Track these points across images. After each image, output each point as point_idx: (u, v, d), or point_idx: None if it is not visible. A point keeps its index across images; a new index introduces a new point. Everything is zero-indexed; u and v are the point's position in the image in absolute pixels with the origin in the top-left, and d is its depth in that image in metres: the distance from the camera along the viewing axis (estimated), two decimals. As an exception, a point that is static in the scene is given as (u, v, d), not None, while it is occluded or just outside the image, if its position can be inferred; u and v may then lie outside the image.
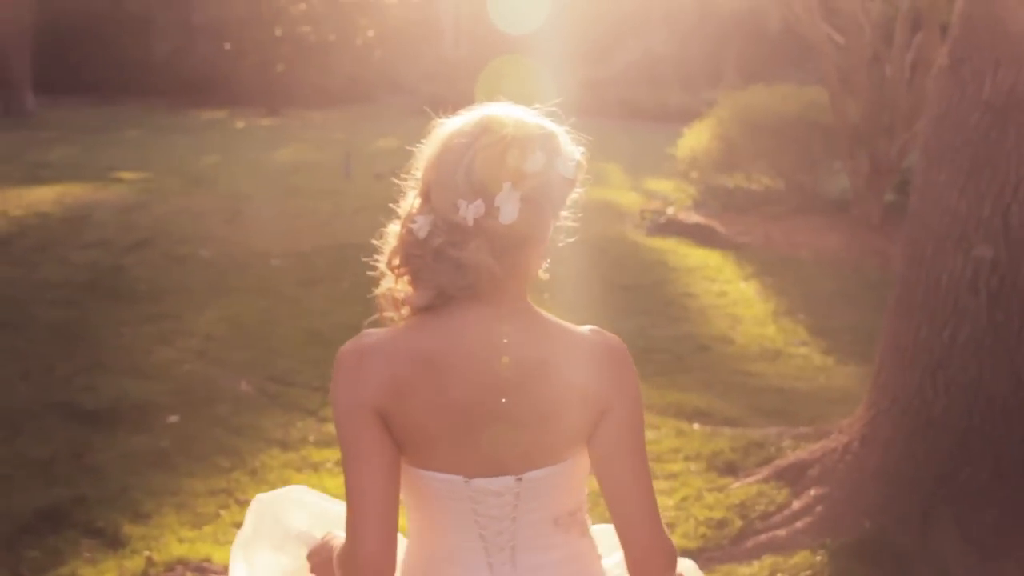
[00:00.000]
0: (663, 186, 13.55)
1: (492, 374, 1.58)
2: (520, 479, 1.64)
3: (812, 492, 4.11)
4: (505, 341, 1.58)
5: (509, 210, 1.53)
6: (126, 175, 14.24)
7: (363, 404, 1.57)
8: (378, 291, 1.65)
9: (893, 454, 3.98)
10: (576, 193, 1.67)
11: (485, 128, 1.57)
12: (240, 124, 27.73)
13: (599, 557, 1.78)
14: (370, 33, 33.57)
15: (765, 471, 4.43)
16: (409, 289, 1.61)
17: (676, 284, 8.44)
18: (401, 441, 1.61)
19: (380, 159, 17.38)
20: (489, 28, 35.73)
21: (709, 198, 11.56)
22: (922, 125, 4.13)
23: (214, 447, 4.81)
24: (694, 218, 10.79)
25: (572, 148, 1.64)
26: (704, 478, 4.52)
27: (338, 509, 1.87)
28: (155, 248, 9.08)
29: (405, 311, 1.63)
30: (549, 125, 1.62)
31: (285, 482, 4.14)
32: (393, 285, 1.63)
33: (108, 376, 5.57)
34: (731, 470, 4.60)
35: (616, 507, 1.66)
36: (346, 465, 1.59)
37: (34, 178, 13.47)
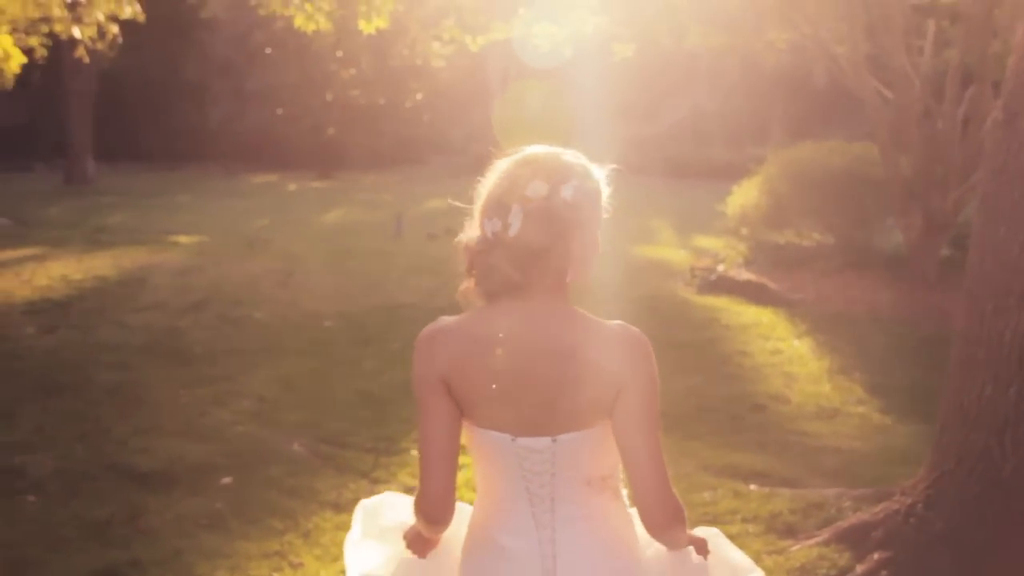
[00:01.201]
0: (712, 243, 13.50)
1: (526, 353, 1.99)
2: (555, 440, 2.03)
3: (876, 556, 4.00)
4: (535, 330, 2.00)
5: (515, 225, 1.96)
6: (181, 239, 14.49)
7: (432, 373, 2.03)
8: (460, 289, 2.07)
9: (960, 517, 3.87)
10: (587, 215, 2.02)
11: (514, 163, 2.02)
12: (292, 187, 28.20)
13: (631, 522, 2.12)
14: (419, 96, 34.06)
15: (826, 533, 4.32)
16: (472, 288, 2.05)
17: (729, 342, 8.35)
18: (462, 403, 2.05)
19: (430, 220, 17.53)
20: (534, 91, 36.02)
21: (760, 255, 11.47)
22: (977, 179, 4.09)
23: (267, 509, 4.80)
24: (745, 275, 10.71)
25: (582, 181, 2.01)
26: (763, 540, 4.42)
27: None
28: (210, 310, 9.19)
29: (474, 304, 2.07)
30: (565, 161, 2.02)
31: (338, 545, 4.12)
32: (467, 285, 2.06)
33: (163, 438, 5.61)
34: (790, 532, 4.49)
35: (631, 470, 2.01)
36: (419, 422, 2.05)
37: (93, 242, 13.76)
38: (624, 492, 2.14)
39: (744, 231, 11.84)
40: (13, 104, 27.64)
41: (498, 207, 1.98)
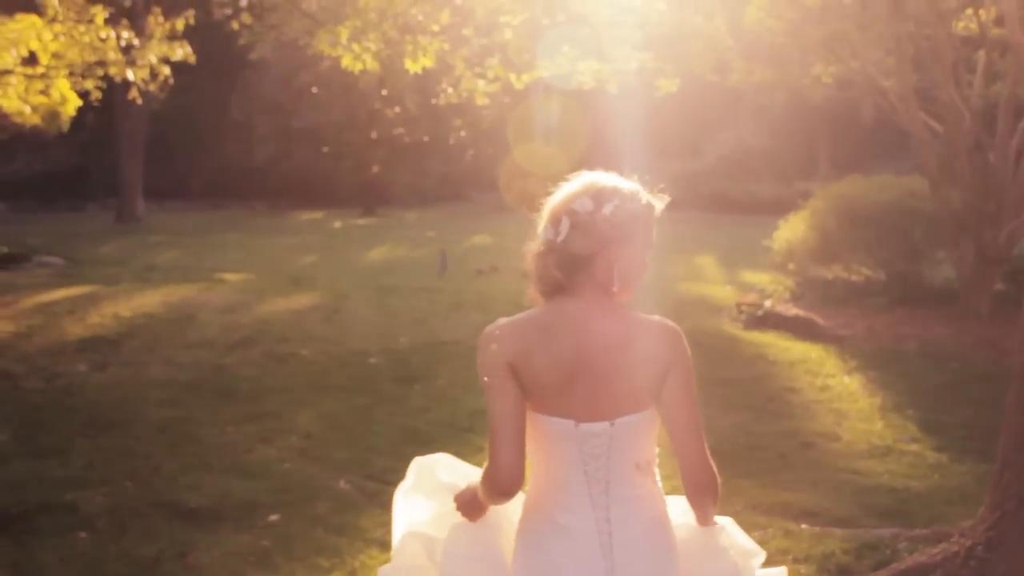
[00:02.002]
0: (759, 278, 13.39)
1: (582, 345, 2.27)
2: (613, 424, 2.30)
3: (934, 599, 3.89)
4: (589, 324, 2.29)
5: (563, 233, 2.28)
6: (228, 276, 14.64)
7: (500, 359, 2.27)
8: (528, 291, 2.39)
9: (1023, 560, 3.76)
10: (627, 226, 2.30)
11: (572, 183, 2.36)
12: (337, 224, 28.47)
13: (664, 501, 2.42)
14: (462, 133, 34.32)
15: (881, 575, 4.22)
16: (533, 289, 2.37)
17: (777, 378, 8.24)
18: (526, 389, 2.28)
19: (474, 256, 17.59)
20: (580, 125, 36.18)
21: (807, 290, 11.34)
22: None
23: (314, 547, 4.79)
24: (793, 311, 10.60)
25: (623, 201, 2.30)
26: (816, 582, 4.32)
27: (476, 472, 2.45)
28: (256, 347, 9.26)
29: (536, 304, 2.37)
30: (612, 184, 2.33)
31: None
32: (531, 287, 2.37)
33: (211, 475, 5.63)
34: (844, 573, 4.39)
35: (676, 441, 2.32)
36: (488, 404, 2.29)
37: (143, 280, 13.95)
38: (658, 478, 2.42)
39: (791, 266, 11.71)
40: (67, 146, 28.26)
41: (552, 218, 2.32)
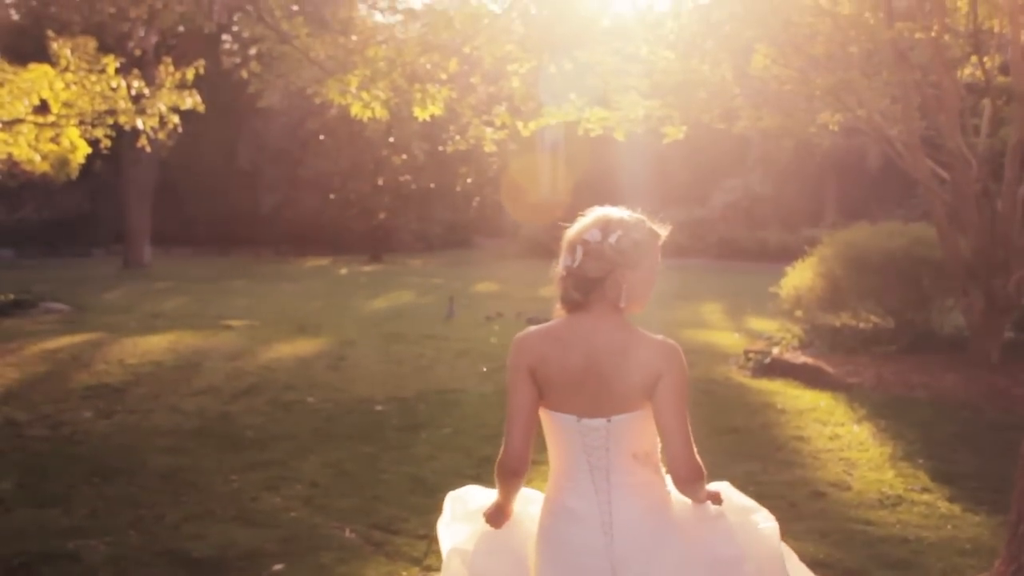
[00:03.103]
0: (767, 326, 13.34)
1: (589, 353, 2.70)
2: (609, 420, 2.70)
3: (951, 654, 3.81)
4: (596, 335, 2.71)
5: (578, 259, 2.73)
6: (234, 322, 14.63)
7: (523, 362, 2.73)
8: (555, 307, 2.81)
9: (1041, 614, 3.69)
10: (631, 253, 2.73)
11: (586, 217, 2.80)
12: (343, 271, 28.54)
13: (668, 489, 2.79)
14: (469, 180, 34.49)
15: (897, 630, 4.14)
16: (558, 304, 2.80)
17: (786, 427, 8.17)
18: (542, 389, 2.73)
19: (480, 302, 17.59)
20: (586, 172, 36.32)
21: (815, 338, 11.29)
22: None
23: (319, 598, 4.72)
24: (801, 358, 10.54)
25: (627, 231, 2.73)
26: (830, 636, 4.23)
27: (495, 494, 2.91)
28: (262, 395, 9.22)
29: (562, 315, 2.80)
30: (618, 217, 2.76)
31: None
32: (557, 304, 2.80)
33: (216, 524, 5.57)
34: (858, 627, 4.31)
35: (665, 438, 2.69)
36: (509, 398, 2.74)
37: (149, 327, 13.94)
38: (663, 470, 2.78)
39: (799, 313, 11.66)
40: (74, 193, 28.44)
41: (569, 247, 2.76)
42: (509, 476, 2.77)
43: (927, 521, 5.74)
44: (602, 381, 2.68)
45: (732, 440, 7.50)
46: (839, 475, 6.72)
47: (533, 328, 2.79)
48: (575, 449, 2.74)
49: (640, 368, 2.66)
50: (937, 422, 8.19)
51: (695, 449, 2.69)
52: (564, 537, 2.74)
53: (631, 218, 2.76)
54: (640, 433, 2.72)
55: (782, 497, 6.16)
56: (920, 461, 6.98)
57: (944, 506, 6.00)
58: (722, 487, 2.91)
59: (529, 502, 2.91)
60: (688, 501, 2.80)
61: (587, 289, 2.71)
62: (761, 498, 6.11)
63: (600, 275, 2.70)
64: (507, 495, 2.85)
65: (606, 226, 2.73)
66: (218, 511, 5.78)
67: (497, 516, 2.87)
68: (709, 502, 2.81)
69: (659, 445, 2.74)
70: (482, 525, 2.89)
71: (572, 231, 2.77)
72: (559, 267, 2.77)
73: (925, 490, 6.33)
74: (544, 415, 2.76)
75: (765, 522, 2.88)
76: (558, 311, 2.80)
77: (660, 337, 2.72)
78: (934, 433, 7.81)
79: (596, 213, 2.79)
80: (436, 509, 5.79)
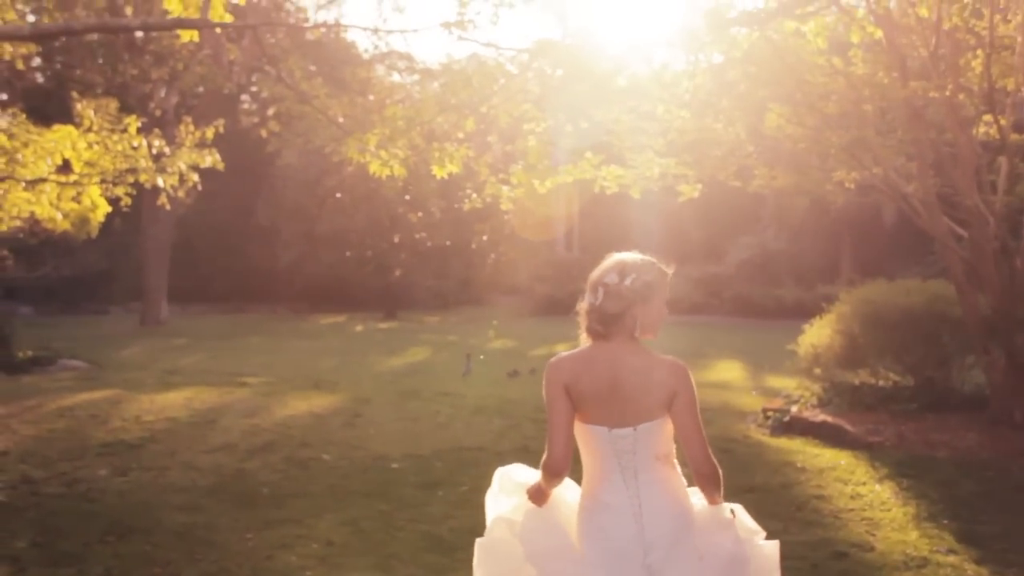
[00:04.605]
0: (784, 383, 13.24)
1: (614, 374, 3.24)
2: (635, 429, 3.25)
3: None
4: (619, 360, 3.26)
5: (600, 298, 3.28)
6: (250, 379, 14.64)
7: (559, 381, 3.28)
8: (580, 335, 3.35)
9: None
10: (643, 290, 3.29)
11: (606, 262, 3.35)
12: (359, 328, 28.55)
13: (684, 483, 3.34)
14: (484, 237, 34.61)
15: None
16: (583, 334, 3.35)
17: (806, 486, 8.07)
18: (576, 404, 3.26)
19: (496, 360, 17.54)
20: (601, 230, 36.41)
21: (834, 396, 11.18)
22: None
23: (334, 660, 4.65)
24: (820, 416, 10.45)
25: (640, 274, 3.29)
26: None
27: (537, 474, 3.39)
28: (278, 452, 9.19)
29: (586, 343, 3.35)
30: (632, 261, 3.32)
31: None
32: (583, 334, 3.35)
33: (230, 583, 5.52)
34: None
35: (684, 441, 3.24)
36: (548, 412, 3.27)
37: (165, 384, 13.96)
38: (679, 467, 3.35)
39: (817, 371, 11.56)
40: (94, 251, 28.63)
41: (592, 288, 3.31)
42: (553, 477, 3.31)
43: (953, 583, 5.63)
44: (627, 398, 3.21)
45: (752, 499, 7.40)
46: (862, 535, 6.62)
47: (565, 353, 3.33)
48: (608, 454, 3.26)
49: (658, 386, 3.20)
50: (961, 481, 8.07)
51: (710, 451, 3.24)
52: (603, 526, 3.24)
53: (643, 262, 3.32)
54: (660, 437, 3.25)
55: (803, 558, 6.07)
56: (945, 521, 6.88)
57: (972, 568, 5.90)
58: (736, 508, 3.38)
59: (567, 487, 3.41)
60: (703, 503, 3.32)
61: (608, 323, 3.25)
62: (782, 559, 6.03)
63: (619, 311, 3.25)
64: (550, 487, 3.36)
65: (622, 270, 3.28)
66: (233, 569, 5.73)
67: (539, 495, 3.36)
68: (724, 507, 3.31)
69: (674, 447, 3.31)
70: (525, 500, 3.38)
71: (594, 274, 3.32)
72: (584, 304, 3.31)
73: (951, 551, 6.22)
74: (579, 427, 3.29)
75: (767, 543, 3.41)
76: (584, 339, 3.33)
77: (670, 358, 3.25)
78: (958, 493, 7.70)
79: (614, 258, 3.33)
80: (453, 568, 5.76)
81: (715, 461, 3.24)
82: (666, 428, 3.24)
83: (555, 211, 41.52)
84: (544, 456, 3.29)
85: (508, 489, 3.49)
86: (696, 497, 3.34)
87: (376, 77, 31.31)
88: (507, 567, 3.33)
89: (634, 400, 3.21)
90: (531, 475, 3.45)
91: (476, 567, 3.42)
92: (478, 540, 3.45)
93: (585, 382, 3.22)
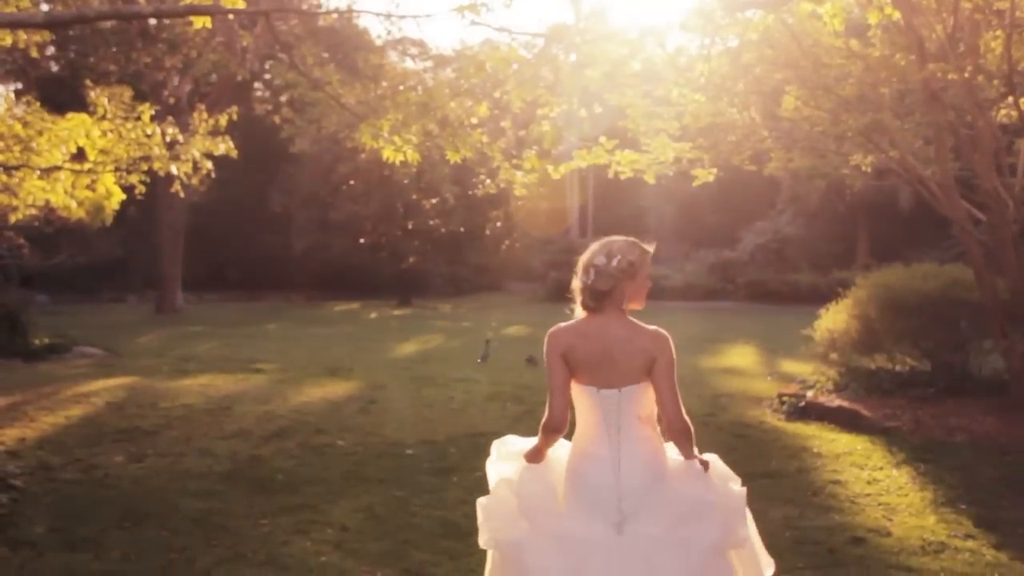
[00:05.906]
0: (800, 369, 13.18)
1: (604, 343, 3.63)
2: (620, 390, 3.64)
3: None
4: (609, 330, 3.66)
5: (591, 278, 3.68)
6: (265, 366, 14.67)
7: (557, 348, 3.67)
8: (575, 308, 3.77)
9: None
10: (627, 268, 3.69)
11: (596, 244, 3.77)
12: (373, 315, 28.57)
13: (662, 442, 3.72)
14: (498, 224, 34.52)
15: None
16: (578, 307, 3.76)
17: (822, 471, 8.03)
18: (572, 368, 3.66)
19: (511, 347, 17.52)
20: (615, 216, 36.30)
21: (851, 381, 11.12)
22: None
23: (350, 645, 4.65)
24: (836, 402, 10.40)
25: (624, 254, 3.68)
26: None
27: (532, 440, 3.80)
28: (293, 438, 9.20)
29: (579, 315, 3.75)
30: (618, 244, 3.72)
31: None
32: (577, 308, 3.75)
33: (246, 568, 5.53)
34: None
35: (660, 403, 3.63)
36: (548, 376, 3.68)
37: (181, 371, 14.00)
38: (658, 428, 3.70)
39: (833, 356, 11.49)
40: (109, 239, 28.66)
41: (585, 268, 3.72)
42: (552, 433, 3.69)
43: (972, 569, 5.59)
44: (614, 362, 3.62)
45: (768, 484, 7.38)
46: (879, 520, 6.58)
47: (563, 324, 3.72)
48: (596, 411, 3.66)
49: (641, 353, 3.61)
50: (978, 466, 8.02)
51: (684, 410, 3.63)
52: (585, 473, 3.63)
53: (627, 244, 3.72)
54: (643, 399, 3.65)
55: (820, 543, 6.04)
56: (962, 506, 6.83)
57: (990, 553, 5.85)
58: (710, 457, 3.79)
59: (561, 447, 3.78)
60: (680, 458, 3.70)
61: (599, 298, 3.67)
62: (798, 543, 6.03)
63: (608, 288, 3.65)
64: (546, 445, 3.73)
65: (609, 252, 3.69)
66: (249, 555, 5.74)
67: (535, 456, 3.74)
68: (696, 460, 3.68)
69: (656, 412, 3.67)
70: (523, 463, 3.74)
71: (585, 257, 3.74)
72: (577, 282, 3.73)
73: (969, 536, 6.18)
74: (574, 387, 3.69)
75: (738, 487, 3.71)
76: (579, 312, 3.74)
77: (653, 328, 3.66)
78: (976, 478, 7.65)
79: (601, 242, 3.76)
80: (468, 553, 5.75)
81: (688, 419, 3.63)
82: (649, 392, 3.64)
83: (569, 198, 41.43)
84: (544, 416, 3.68)
85: (505, 455, 3.85)
86: (672, 451, 3.72)
87: (389, 63, 31.21)
88: (505, 522, 3.64)
89: (620, 364, 3.61)
90: (526, 443, 3.82)
91: (480, 525, 3.72)
92: (479, 500, 3.76)
93: (580, 349, 3.63)
